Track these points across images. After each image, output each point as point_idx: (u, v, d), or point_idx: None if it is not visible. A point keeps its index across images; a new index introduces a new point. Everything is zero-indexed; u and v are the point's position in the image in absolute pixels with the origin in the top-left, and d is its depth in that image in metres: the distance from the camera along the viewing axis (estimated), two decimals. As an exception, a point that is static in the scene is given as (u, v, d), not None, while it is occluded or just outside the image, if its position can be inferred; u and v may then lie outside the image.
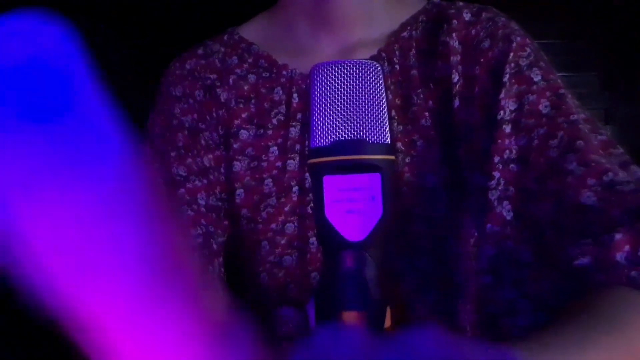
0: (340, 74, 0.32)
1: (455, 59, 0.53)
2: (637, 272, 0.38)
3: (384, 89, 0.35)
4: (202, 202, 0.54)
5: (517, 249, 0.45)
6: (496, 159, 0.48)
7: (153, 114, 0.59)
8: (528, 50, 0.51)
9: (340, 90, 0.31)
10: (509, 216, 0.46)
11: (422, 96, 0.55)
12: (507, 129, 0.48)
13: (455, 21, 0.55)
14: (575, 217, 0.42)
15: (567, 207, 0.43)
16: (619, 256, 0.38)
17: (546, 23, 1.21)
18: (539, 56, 0.52)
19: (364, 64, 0.35)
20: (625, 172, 0.43)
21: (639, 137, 1.18)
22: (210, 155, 0.57)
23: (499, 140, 0.48)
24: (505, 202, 0.47)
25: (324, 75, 0.32)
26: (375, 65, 0.34)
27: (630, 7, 1.19)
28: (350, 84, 0.32)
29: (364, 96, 0.32)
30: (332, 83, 0.31)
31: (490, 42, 0.52)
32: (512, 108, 0.49)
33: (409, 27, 0.57)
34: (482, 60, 0.52)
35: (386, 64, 0.56)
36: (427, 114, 0.54)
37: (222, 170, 0.57)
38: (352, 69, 0.32)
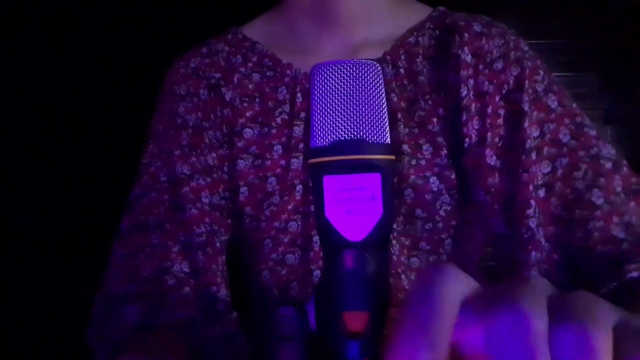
0: (340, 74, 0.32)
1: (465, 72, 0.54)
2: None
3: (383, 89, 0.35)
4: (205, 201, 0.54)
5: (553, 272, 0.48)
6: (530, 187, 0.49)
7: (157, 112, 0.60)
8: (541, 72, 0.53)
9: (340, 90, 0.31)
10: (543, 241, 0.49)
11: (430, 102, 0.55)
12: (534, 155, 0.50)
13: (466, 34, 0.55)
14: (609, 246, 0.45)
15: (599, 236, 0.46)
16: None
17: (546, 23, 1.21)
18: (551, 78, 0.54)
19: (364, 64, 0.35)
20: None
21: (639, 137, 1.18)
22: (214, 154, 0.57)
23: (530, 169, 0.50)
24: (541, 229, 0.49)
25: (324, 75, 0.32)
26: (375, 65, 0.34)
27: (630, 7, 1.19)
28: (350, 84, 0.32)
29: (364, 96, 0.32)
30: (332, 83, 0.31)
31: (503, 63, 0.53)
32: (535, 135, 0.51)
33: (415, 33, 0.58)
34: (495, 81, 0.53)
35: (391, 67, 0.56)
36: (435, 119, 0.55)
37: (225, 168, 0.58)
38: (352, 68, 0.33)
